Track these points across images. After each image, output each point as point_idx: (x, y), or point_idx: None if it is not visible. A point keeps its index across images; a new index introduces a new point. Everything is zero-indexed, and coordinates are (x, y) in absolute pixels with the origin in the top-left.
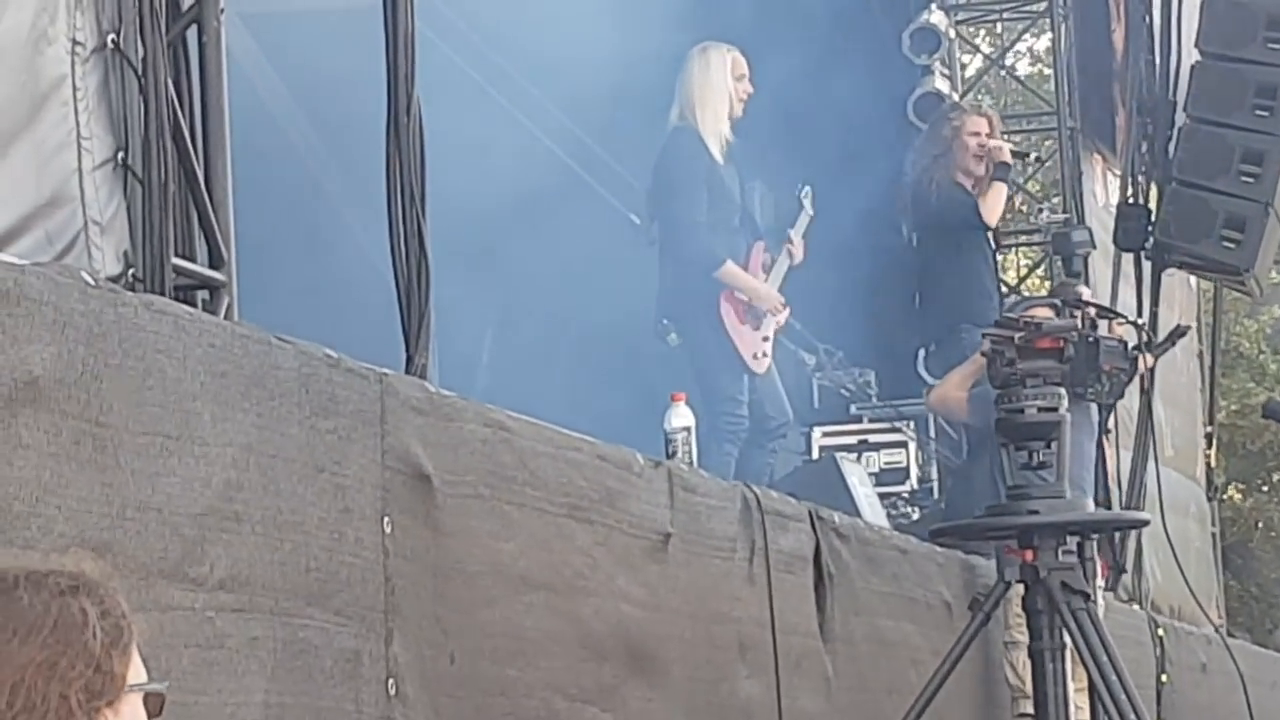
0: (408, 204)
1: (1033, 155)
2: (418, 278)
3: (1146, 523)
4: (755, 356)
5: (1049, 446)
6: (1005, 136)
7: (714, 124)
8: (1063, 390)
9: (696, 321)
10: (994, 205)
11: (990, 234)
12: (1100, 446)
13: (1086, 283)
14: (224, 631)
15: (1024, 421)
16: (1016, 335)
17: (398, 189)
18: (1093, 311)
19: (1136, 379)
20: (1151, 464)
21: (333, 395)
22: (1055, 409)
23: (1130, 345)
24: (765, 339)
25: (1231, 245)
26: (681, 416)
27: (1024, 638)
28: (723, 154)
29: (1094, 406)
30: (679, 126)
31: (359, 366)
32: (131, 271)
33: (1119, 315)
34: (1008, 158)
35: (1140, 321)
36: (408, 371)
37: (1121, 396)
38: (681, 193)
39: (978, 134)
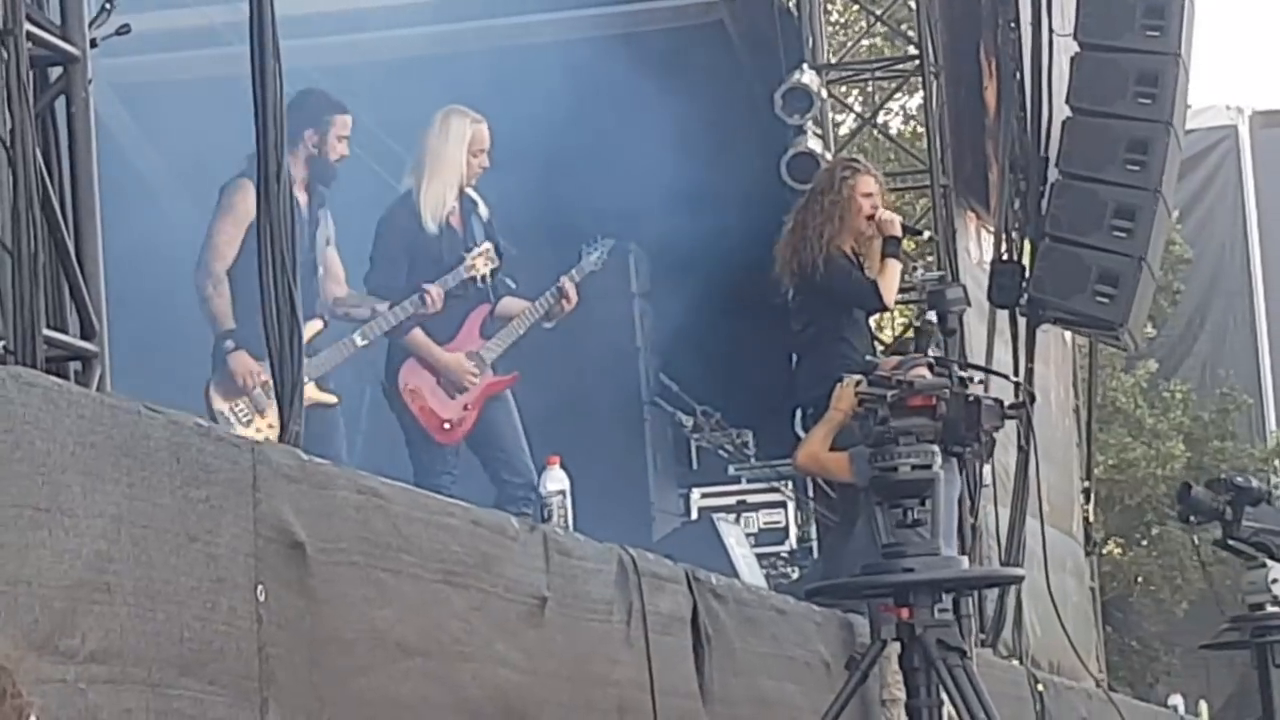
0: (279, 271)
1: (926, 234)
2: (289, 344)
3: (1022, 578)
4: (444, 427)
5: (923, 504)
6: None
7: (438, 193)
8: (936, 448)
9: (390, 393)
10: (890, 285)
11: None
12: (962, 502)
13: (962, 340)
14: (96, 704)
15: (898, 479)
16: (889, 393)
17: (269, 256)
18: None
19: (1015, 436)
20: (1031, 520)
21: (204, 464)
22: (929, 466)
23: (1006, 404)
24: (466, 407)
25: (1105, 300)
26: (556, 480)
27: (902, 694)
28: (439, 222)
29: (956, 461)
30: (401, 195)
31: (230, 435)
32: (2, 344)
33: (998, 373)
34: (898, 231)
35: (1018, 380)
36: (281, 438)
37: (991, 454)
38: (379, 264)
39: (870, 195)
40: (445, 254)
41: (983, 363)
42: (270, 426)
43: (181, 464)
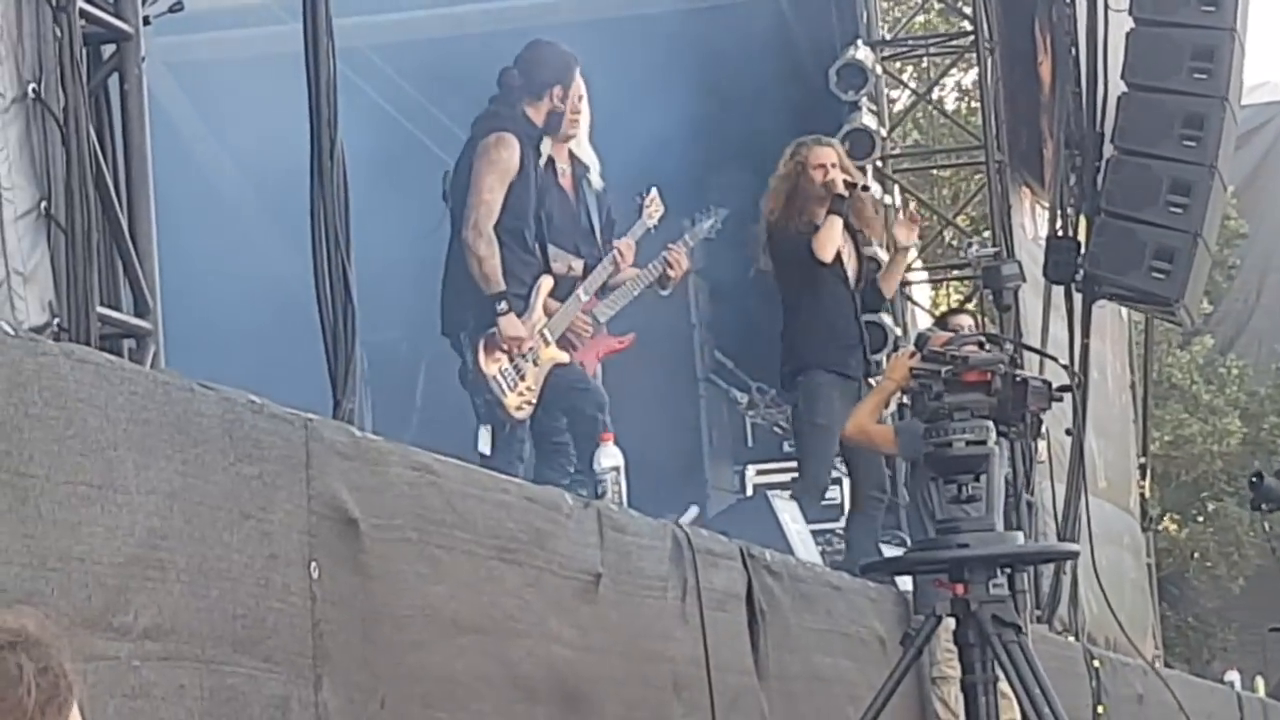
0: (332, 248)
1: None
2: (344, 322)
3: (1077, 554)
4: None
5: (978, 480)
6: (934, 173)
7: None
8: (990, 424)
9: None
10: (823, 239)
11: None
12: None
13: (1017, 316)
14: (150, 681)
15: (952, 455)
16: (943, 369)
17: (322, 233)
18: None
19: (1070, 411)
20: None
21: (257, 441)
22: (984, 442)
23: (1054, 386)
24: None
25: (1161, 276)
26: (610, 456)
27: (954, 672)
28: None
29: (1005, 440)
30: None
31: (283, 411)
32: (57, 321)
33: (1048, 355)
34: (842, 189)
35: (1066, 364)
36: (335, 415)
37: (1039, 434)
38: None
39: (822, 165)
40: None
41: (1038, 338)
42: (529, 390)
43: (234, 441)
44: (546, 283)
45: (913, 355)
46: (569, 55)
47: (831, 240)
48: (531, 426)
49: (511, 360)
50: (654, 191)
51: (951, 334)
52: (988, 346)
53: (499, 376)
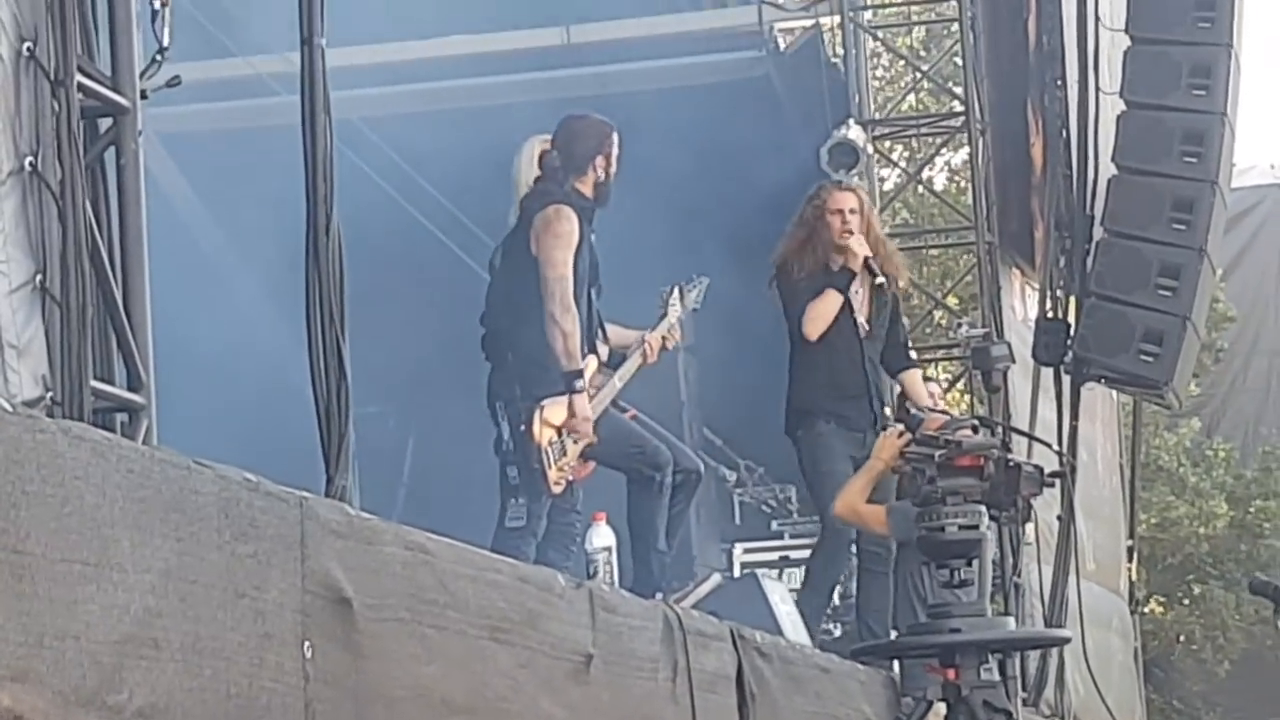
0: (327, 324)
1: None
2: (337, 398)
3: (1068, 640)
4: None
5: (970, 564)
6: (924, 252)
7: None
8: (983, 508)
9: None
10: (814, 315)
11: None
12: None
13: (1006, 397)
14: None
15: (945, 539)
16: (937, 453)
17: (317, 310)
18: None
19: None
20: (1074, 578)
21: (252, 519)
22: (976, 526)
23: (1046, 472)
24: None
25: (1150, 359)
26: (602, 536)
27: None
28: None
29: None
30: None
31: (278, 490)
32: (49, 395)
33: (1041, 440)
34: (855, 266)
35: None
36: (328, 493)
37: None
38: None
39: (840, 211)
40: None
41: (1027, 420)
42: (569, 465)
43: (230, 519)
44: (592, 363)
45: (900, 435)
46: (604, 123)
47: (823, 318)
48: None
49: (560, 435)
50: (675, 289)
51: (945, 416)
52: (980, 430)
53: (549, 449)
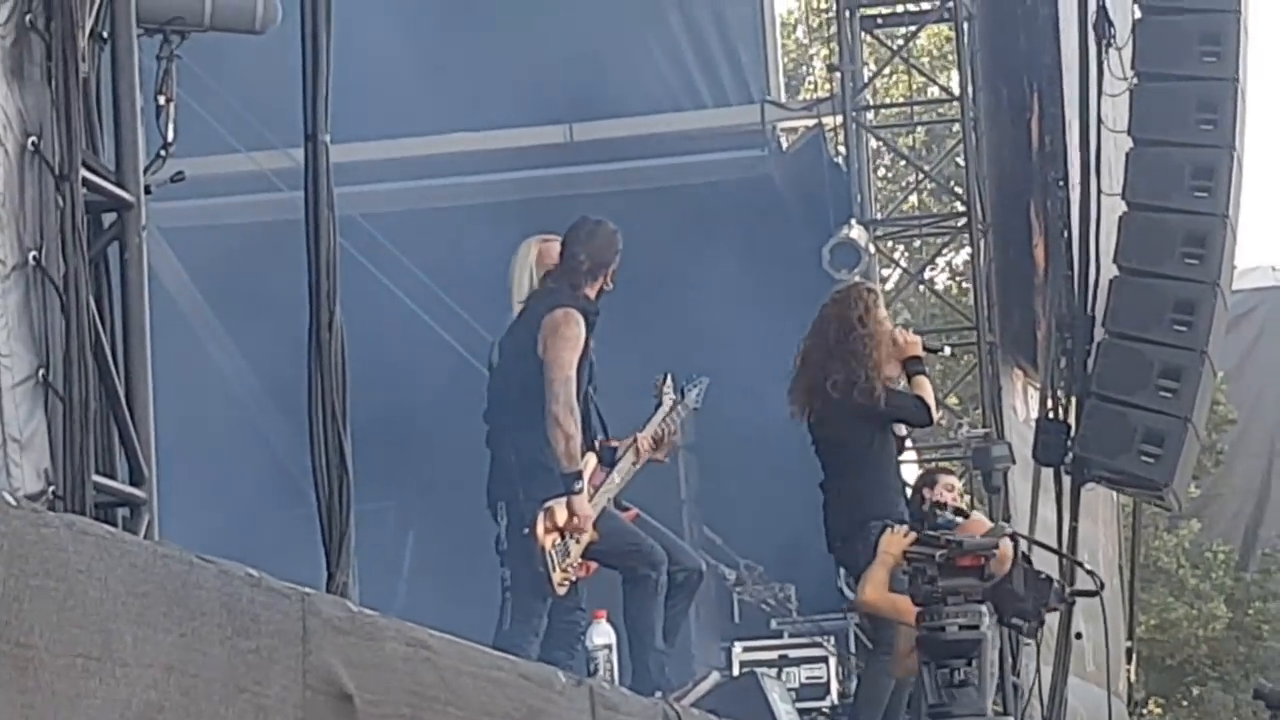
0: (329, 420)
1: (947, 350)
2: (339, 495)
3: None
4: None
5: (970, 664)
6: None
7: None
8: (984, 608)
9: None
10: (931, 399)
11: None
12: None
13: (1006, 497)
14: None
15: (945, 639)
16: (938, 553)
17: (319, 405)
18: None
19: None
20: (1074, 678)
21: (254, 615)
22: (977, 626)
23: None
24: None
25: (1151, 460)
26: (603, 634)
27: None
28: None
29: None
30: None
31: (280, 586)
32: (52, 489)
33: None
34: (920, 351)
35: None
36: (329, 588)
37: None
38: None
39: (886, 318)
40: None
41: (1027, 520)
42: (572, 566)
43: (232, 614)
44: (591, 461)
45: (906, 534)
46: (618, 233)
47: (933, 400)
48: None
49: (563, 537)
50: (668, 376)
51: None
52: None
53: (552, 551)
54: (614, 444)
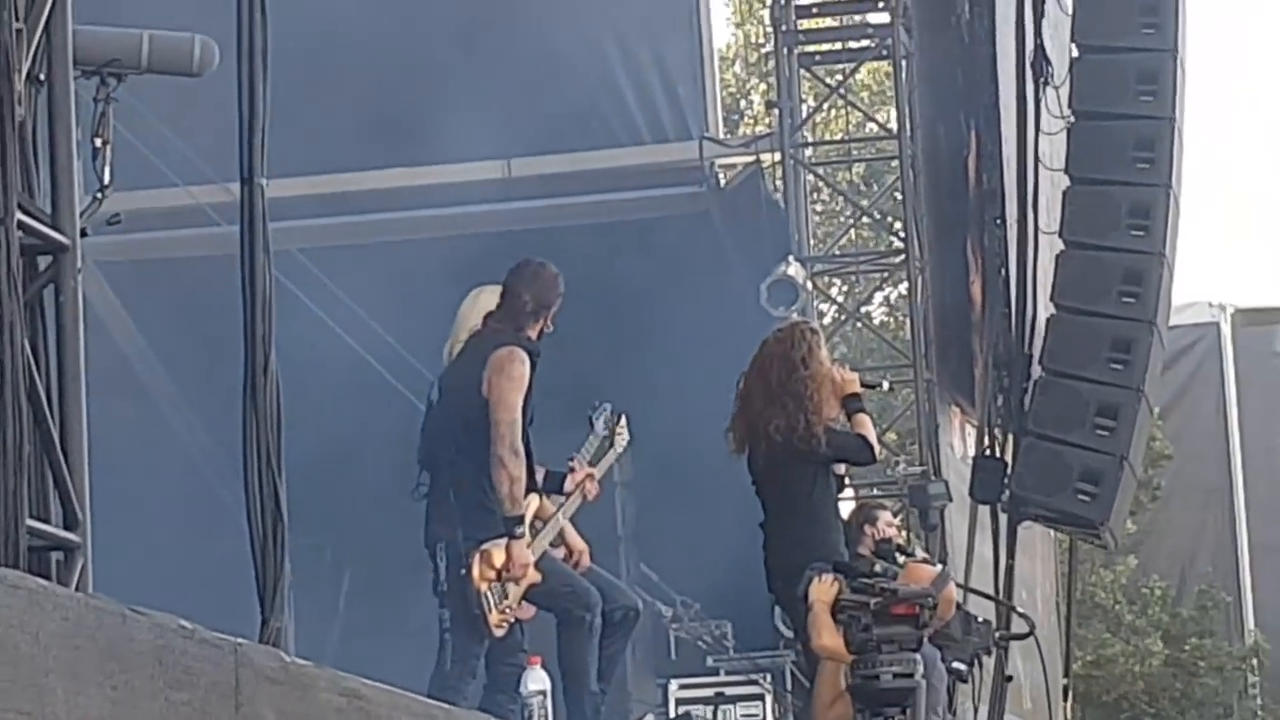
0: (264, 465)
1: (886, 385)
2: (273, 540)
3: None
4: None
5: (904, 713)
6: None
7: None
8: (918, 656)
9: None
10: (873, 436)
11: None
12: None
13: (942, 535)
14: None
15: (880, 688)
16: (873, 600)
17: (254, 450)
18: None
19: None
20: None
21: (187, 667)
22: (911, 675)
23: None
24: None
25: (1087, 499)
26: (537, 680)
27: None
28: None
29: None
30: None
31: (213, 637)
32: None
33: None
34: (858, 388)
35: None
36: (262, 635)
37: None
38: None
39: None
40: None
41: (963, 558)
42: (510, 609)
43: (164, 666)
44: (534, 502)
45: (833, 583)
46: (559, 276)
47: (874, 437)
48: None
49: (500, 578)
50: (606, 406)
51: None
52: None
53: (489, 593)
54: (567, 467)
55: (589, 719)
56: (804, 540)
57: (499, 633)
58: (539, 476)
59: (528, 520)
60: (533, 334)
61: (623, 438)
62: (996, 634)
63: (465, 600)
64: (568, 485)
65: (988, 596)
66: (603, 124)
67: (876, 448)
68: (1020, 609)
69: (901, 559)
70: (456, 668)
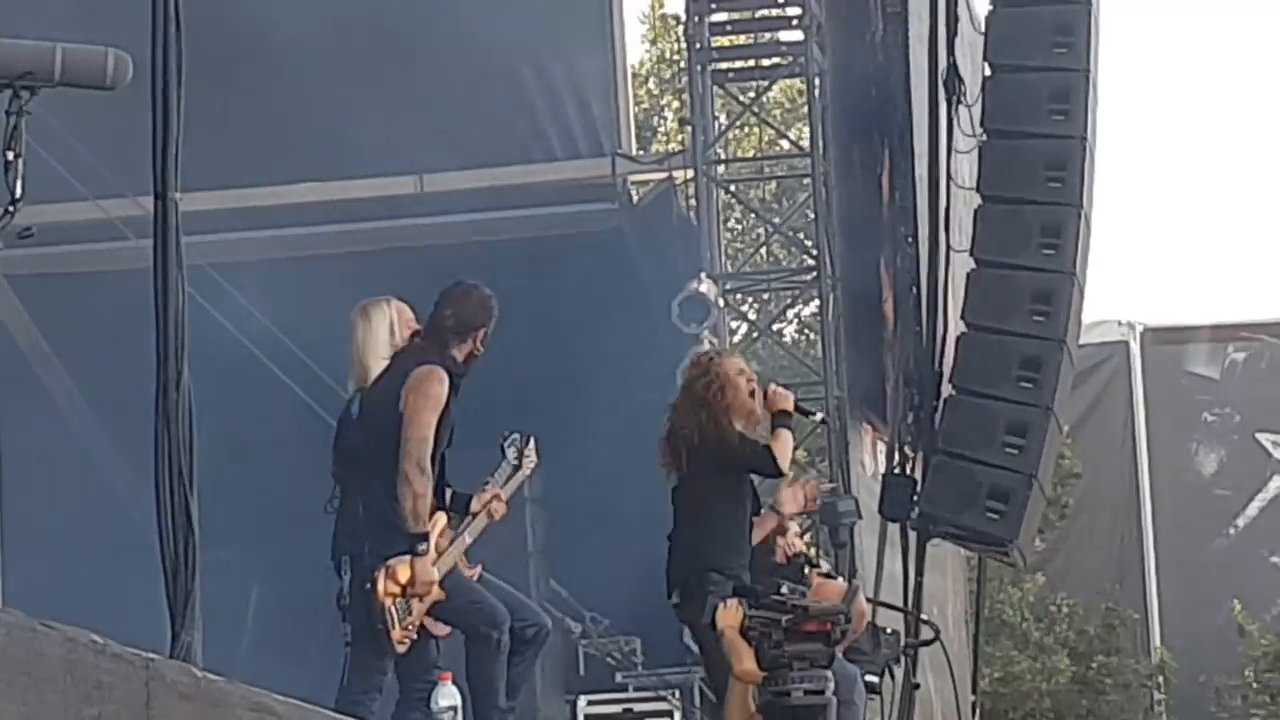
0: (175, 480)
1: (819, 416)
2: (184, 555)
3: None
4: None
5: None
6: None
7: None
8: (830, 673)
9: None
10: (784, 452)
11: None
12: None
13: (852, 553)
14: None
15: (790, 705)
16: (784, 618)
17: (165, 464)
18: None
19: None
20: None
21: (98, 682)
22: (822, 692)
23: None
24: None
25: (996, 516)
26: (447, 696)
27: None
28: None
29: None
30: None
31: (124, 652)
32: None
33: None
34: (789, 406)
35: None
36: (173, 650)
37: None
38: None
39: (744, 371)
40: None
41: (873, 575)
42: (412, 625)
43: (75, 681)
44: (441, 520)
45: (737, 607)
46: (493, 299)
47: (788, 453)
48: (399, 664)
49: (404, 595)
50: (515, 435)
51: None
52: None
53: (393, 609)
54: (482, 487)
55: None
56: (703, 549)
57: (401, 649)
58: (446, 495)
59: (433, 538)
60: (459, 355)
61: (530, 460)
62: (904, 642)
63: (369, 615)
64: (474, 505)
65: (895, 608)
66: (516, 140)
67: (784, 463)
68: (924, 617)
69: (808, 571)
70: (358, 683)
